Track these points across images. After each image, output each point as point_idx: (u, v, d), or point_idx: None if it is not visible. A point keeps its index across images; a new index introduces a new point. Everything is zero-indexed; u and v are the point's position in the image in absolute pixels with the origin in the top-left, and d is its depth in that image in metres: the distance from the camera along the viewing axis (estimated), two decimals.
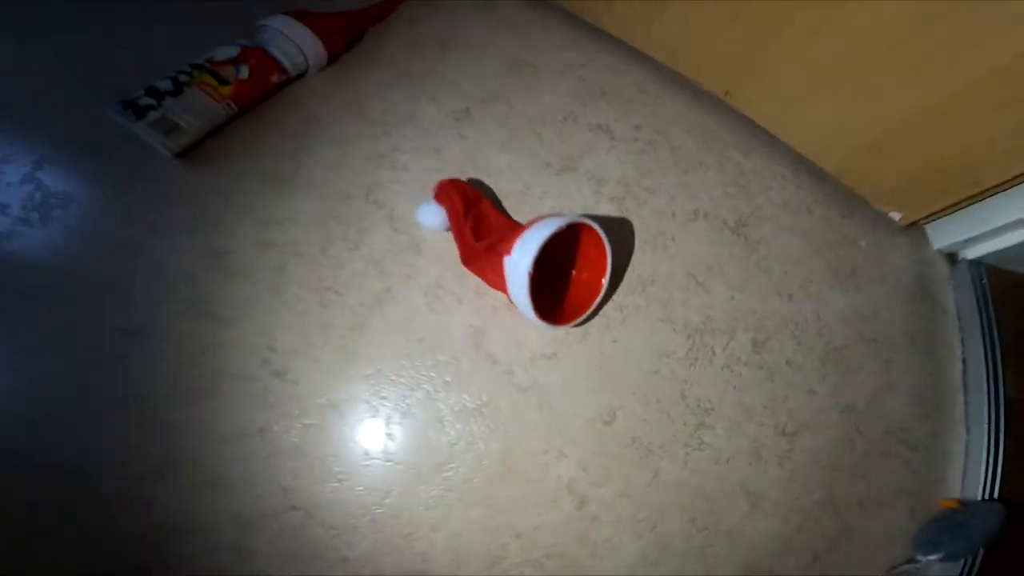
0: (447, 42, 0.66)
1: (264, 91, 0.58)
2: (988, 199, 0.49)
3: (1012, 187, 0.46)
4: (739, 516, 0.44)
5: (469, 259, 0.47)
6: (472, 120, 0.57)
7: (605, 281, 0.45)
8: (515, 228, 0.45)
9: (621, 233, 0.52)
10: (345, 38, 0.64)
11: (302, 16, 0.59)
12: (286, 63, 0.58)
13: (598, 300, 0.46)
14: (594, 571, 0.43)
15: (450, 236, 0.49)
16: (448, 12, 0.70)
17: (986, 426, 0.47)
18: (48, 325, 0.45)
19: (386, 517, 0.43)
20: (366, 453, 0.44)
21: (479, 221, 0.47)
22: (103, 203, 0.49)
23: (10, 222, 0.47)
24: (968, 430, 0.48)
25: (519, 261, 0.41)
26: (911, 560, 0.45)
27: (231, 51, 0.55)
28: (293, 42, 0.57)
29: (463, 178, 0.53)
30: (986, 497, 0.46)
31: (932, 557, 0.43)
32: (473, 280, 0.48)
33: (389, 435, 0.44)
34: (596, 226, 0.43)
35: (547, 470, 0.45)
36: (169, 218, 0.50)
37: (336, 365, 0.45)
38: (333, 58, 0.61)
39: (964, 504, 0.46)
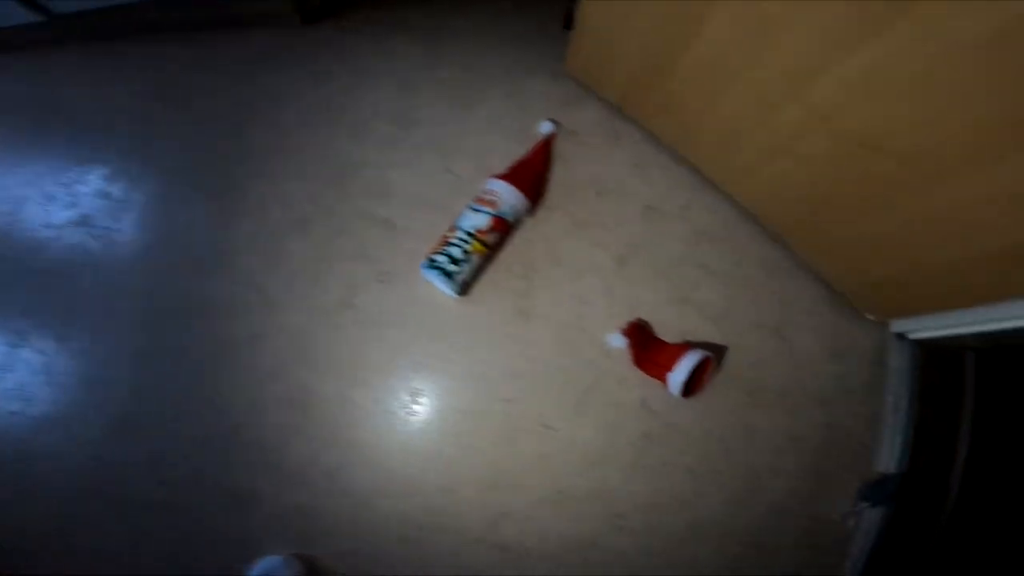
0: (598, 186, 1.00)
1: (503, 244, 0.95)
2: (919, 316, 0.89)
3: (934, 312, 0.87)
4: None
5: (638, 363, 0.90)
6: (628, 265, 0.95)
7: (711, 372, 0.88)
8: (665, 346, 0.88)
9: (716, 338, 0.94)
10: (539, 188, 0.98)
11: (512, 179, 0.92)
12: (513, 221, 0.94)
13: (707, 383, 0.90)
14: None
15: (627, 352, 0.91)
16: (589, 150, 1.02)
17: (902, 436, 0.93)
18: None
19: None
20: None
21: (646, 341, 0.90)
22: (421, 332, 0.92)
23: None
24: (891, 436, 0.95)
25: (676, 378, 0.84)
26: (855, 505, 0.92)
27: (485, 220, 0.90)
28: (515, 205, 0.92)
29: (630, 310, 0.93)
30: (897, 471, 0.93)
31: (864, 504, 0.91)
32: (640, 374, 0.91)
33: (588, 442, 0.92)
34: (710, 355, 0.85)
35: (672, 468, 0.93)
36: (467, 342, 0.92)
37: (580, 420, 0.92)
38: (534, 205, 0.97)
39: (885, 474, 0.94)
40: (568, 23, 1.22)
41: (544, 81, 1.12)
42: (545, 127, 1.02)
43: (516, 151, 1.01)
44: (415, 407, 0.93)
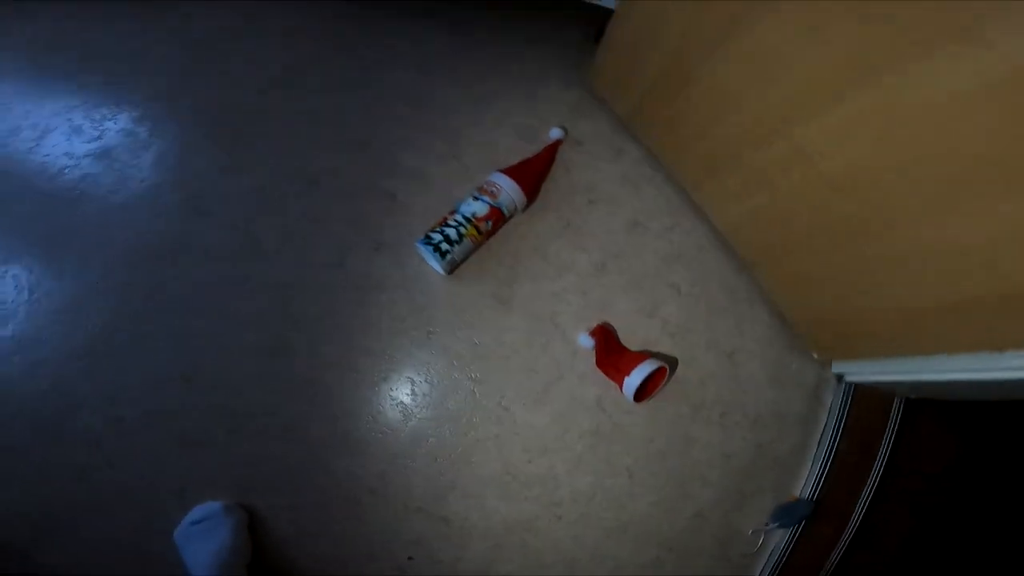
0: (590, 194, 1.07)
1: (494, 233, 1.01)
2: (860, 361, 0.98)
3: (871, 358, 0.96)
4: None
5: (600, 365, 0.97)
6: (607, 272, 1.02)
7: (663, 383, 0.96)
8: (625, 352, 0.96)
9: (673, 354, 1.02)
10: (537, 187, 1.05)
11: (515, 175, 0.99)
12: (507, 214, 1.00)
13: (658, 391, 0.98)
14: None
15: (592, 352, 0.99)
16: (590, 159, 1.09)
17: (821, 465, 1.03)
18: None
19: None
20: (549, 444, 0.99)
21: (609, 345, 0.97)
22: (406, 301, 0.98)
23: None
24: (812, 464, 1.04)
25: (631, 381, 0.91)
26: (767, 524, 1.03)
27: (483, 208, 0.96)
28: (513, 199, 0.99)
29: (601, 315, 1.00)
30: (809, 497, 1.03)
31: (774, 524, 1.02)
32: (600, 375, 0.99)
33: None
34: (665, 365, 0.93)
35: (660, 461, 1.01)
36: (447, 318, 0.99)
37: (538, 408, 0.99)
38: (529, 203, 1.03)
39: (798, 498, 1.03)
40: (598, 36, 1.28)
41: (559, 88, 1.18)
42: (555, 133, 1.09)
43: (522, 150, 1.08)
44: (386, 372, 0.98)
